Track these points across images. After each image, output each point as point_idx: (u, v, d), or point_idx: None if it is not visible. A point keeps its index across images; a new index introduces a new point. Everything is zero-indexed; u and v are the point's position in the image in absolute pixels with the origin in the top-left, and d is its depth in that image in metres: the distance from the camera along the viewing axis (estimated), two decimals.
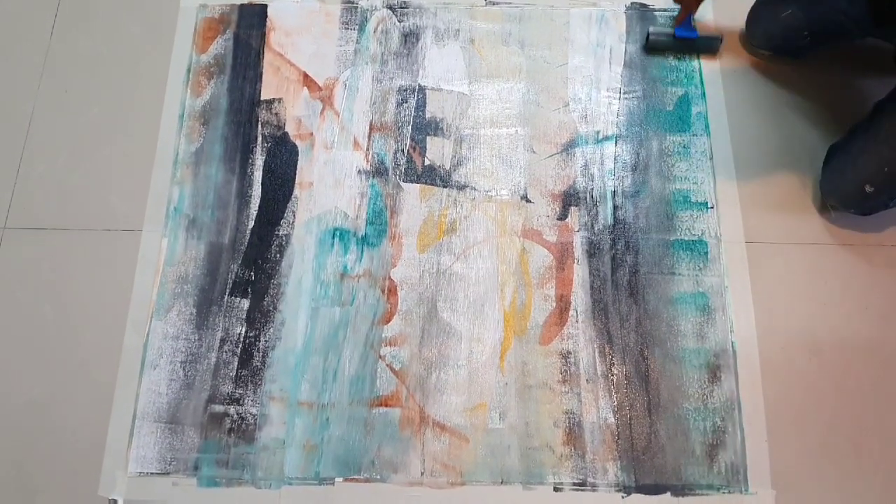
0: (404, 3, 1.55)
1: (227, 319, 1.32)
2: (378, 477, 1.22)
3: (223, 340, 1.30)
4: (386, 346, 1.30)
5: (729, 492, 1.21)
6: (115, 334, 1.31)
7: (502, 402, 1.26)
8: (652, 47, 1.48)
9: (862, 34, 1.35)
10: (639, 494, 1.21)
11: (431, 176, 1.41)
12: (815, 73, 1.48)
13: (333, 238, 1.37)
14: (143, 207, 1.39)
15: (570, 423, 1.25)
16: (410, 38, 1.52)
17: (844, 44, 1.41)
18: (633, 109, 1.46)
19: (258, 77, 1.49)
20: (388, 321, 1.31)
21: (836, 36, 1.39)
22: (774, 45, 1.46)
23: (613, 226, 1.37)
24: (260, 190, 1.40)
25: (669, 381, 1.27)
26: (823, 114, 1.45)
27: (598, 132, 1.44)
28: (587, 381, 1.27)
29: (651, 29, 1.48)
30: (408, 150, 1.43)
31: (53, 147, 1.45)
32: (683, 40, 1.46)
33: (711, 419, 1.25)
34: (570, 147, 1.43)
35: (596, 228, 1.37)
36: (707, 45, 1.48)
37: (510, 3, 1.55)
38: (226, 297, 1.33)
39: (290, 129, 1.45)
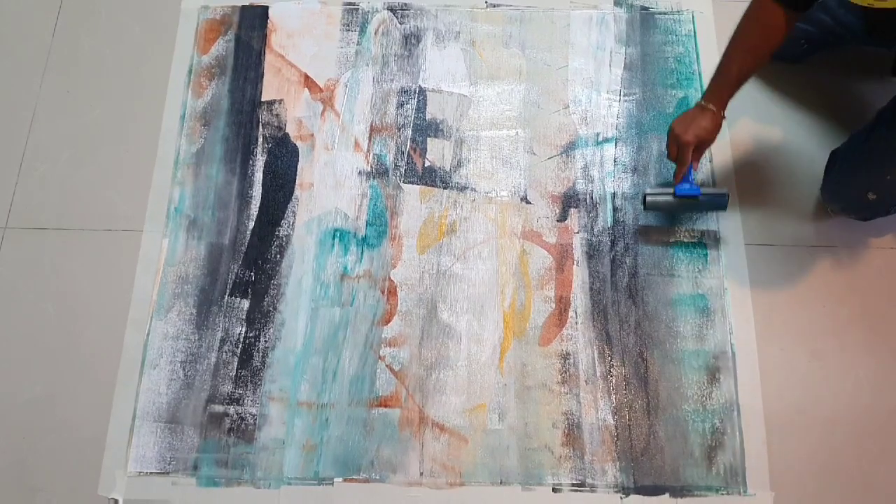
0: (405, 4, 1.55)
1: (227, 319, 1.32)
2: (377, 477, 1.22)
3: (223, 340, 1.31)
4: (385, 346, 1.30)
5: (728, 493, 1.21)
6: (115, 334, 1.31)
7: (501, 403, 1.26)
8: (650, 209, 1.32)
9: (859, 43, 1.36)
10: (637, 495, 1.21)
11: (432, 177, 1.41)
12: (815, 77, 1.48)
13: (334, 239, 1.37)
14: (144, 208, 1.40)
15: (569, 424, 1.25)
16: (411, 39, 1.53)
17: (842, 50, 1.42)
18: (632, 112, 1.46)
19: (259, 78, 1.49)
20: (387, 322, 1.31)
21: (833, 44, 1.39)
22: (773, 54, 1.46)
23: (613, 227, 1.38)
24: (260, 191, 1.41)
25: (668, 382, 1.27)
26: (823, 118, 1.45)
27: (598, 134, 1.45)
28: (586, 382, 1.28)
29: (648, 190, 1.30)
30: (408, 152, 1.43)
31: (55, 147, 1.45)
32: (685, 199, 1.27)
33: (710, 421, 1.25)
34: (570, 149, 1.44)
35: (595, 230, 1.37)
36: (713, 204, 1.30)
37: (511, 5, 1.55)
38: (226, 298, 1.33)
39: (290, 130, 1.45)
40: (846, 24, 1.33)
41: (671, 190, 1.27)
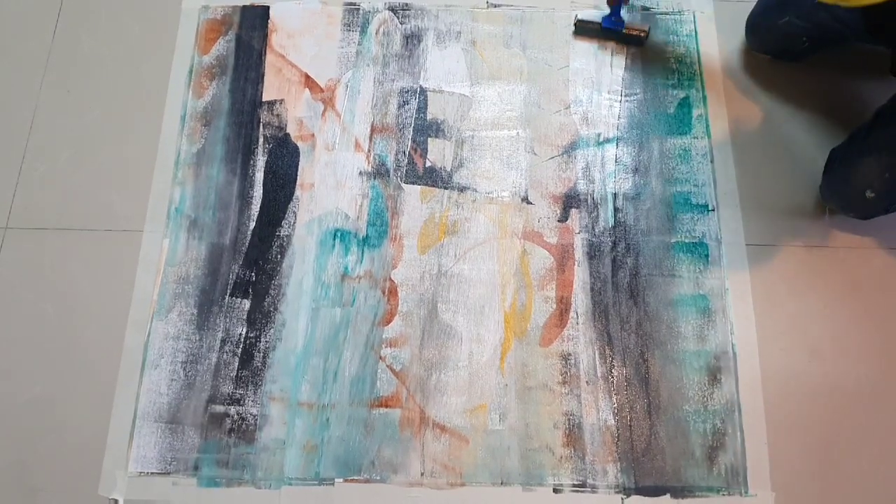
0: (406, 4, 1.55)
1: (227, 320, 1.32)
2: (378, 477, 1.22)
3: (224, 341, 1.31)
4: (386, 346, 1.30)
5: (729, 494, 1.21)
6: (116, 334, 1.31)
7: (502, 404, 1.26)
8: (578, 33, 1.51)
9: (859, 41, 1.36)
10: (638, 496, 1.21)
11: (432, 177, 1.41)
12: (816, 76, 1.48)
13: (334, 239, 1.37)
14: (145, 208, 1.40)
15: (570, 424, 1.25)
16: (412, 39, 1.53)
17: (844, 48, 1.42)
18: (633, 112, 1.46)
19: (260, 78, 1.49)
20: (388, 322, 1.31)
21: (834, 41, 1.39)
22: (773, 50, 1.46)
23: (614, 228, 1.37)
24: (261, 191, 1.41)
25: (669, 383, 1.27)
26: (824, 117, 1.45)
27: (599, 134, 1.45)
28: (587, 382, 1.28)
29: (579, 15, 1.49)
30: (409, 152, 1.43)
31: (55, 147, 1.45)
32: (609, 31, 1.48)
33: (711, 421, 1.25)
34: (571, 149, 1.44)
35: (596, 230, 1.37)
36: (630, 40, 1.50)
37: (512, 5, 1.55)
38: (226, 298, 1.33)
39: (291, 130, 1.45)
40: (846, 23, 1.33)
41: (599, 21, 1.48)
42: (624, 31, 1.47)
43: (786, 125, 1.45)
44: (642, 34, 1.48)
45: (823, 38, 1.39)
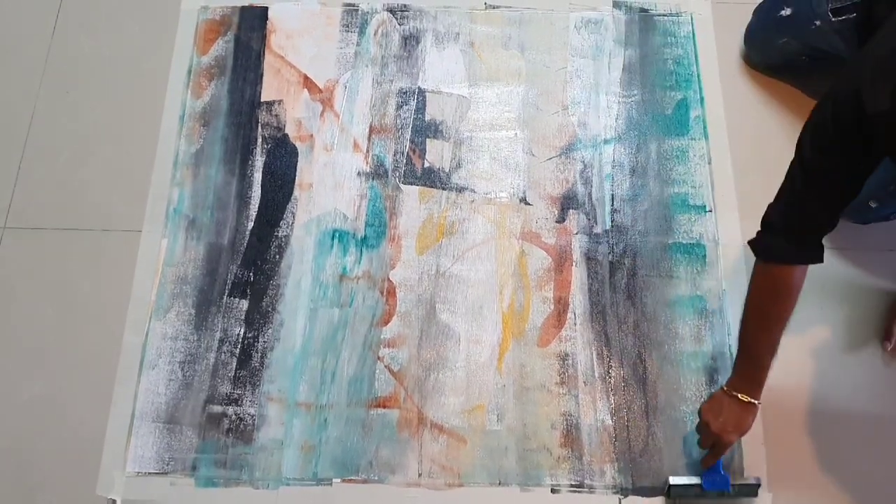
0: (404, 6, 1.55)
1: (225, 320, 1.32)
2: (376, 478, 1.22)
3: (222, 341, 1.31)
4: (384, 347, 1.30)
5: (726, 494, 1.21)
6: (114, 334, 1.31)
7: (500, 404, 1.26)
8: (675, 497, 1.20)
9: None
10: (636, 496, 1.21)
11: (431, 178, 1.42)
12: (816, 78, 1.47)
13: (333, 239, 1.37)
14: (143, 208, 1.40)
15: (567, 425, 1.25)
16: (410, 40, 1.53)
17: (843, 63, 1.41)
18: (631, 113, 1.47)
19: (258, 79, 1.49)
20: (386, 323, 1.31)
21: (833, 57, 1.39)
22: (773, 67, 1.46)
23: (612, 229, 1.38)
24: (259, 191, 1.41)
25: (667, 383, 1.27)
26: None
27: (596, 135, 1.45)
28: (585, 383, 1.28)
29: (672, 480, 1.18)
30: (407, 153, 1.43)
31: (54, 148, 1.45)
32: (713, 493, 1.18)
33: None
34: (568, 150, 1.44)
35: (594, 231, 1.38)
36: (742, 494, 1.19)
37: (510, 6, 1.56)
38: (225, 298, 1.33)
39: (290, 130, 1.45)
40: (847, 42, 1.33)
41: (699, 481, 1.18)
42: (732, 490, 1.17)
43: (784, 126, 1.45)
44: (755, 486, 1.19)
45: (822, 55, 1.38)
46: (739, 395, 1.09)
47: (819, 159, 0.95)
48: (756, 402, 1.09)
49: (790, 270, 1.03)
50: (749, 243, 1.07)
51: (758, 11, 1.45)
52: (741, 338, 1.10)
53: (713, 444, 1.13)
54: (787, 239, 1.02)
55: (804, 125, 0.98)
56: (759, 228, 1.08)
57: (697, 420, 1.15)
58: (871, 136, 0.88)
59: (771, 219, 1.04)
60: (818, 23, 1.29)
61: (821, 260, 1.03)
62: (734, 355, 1.27)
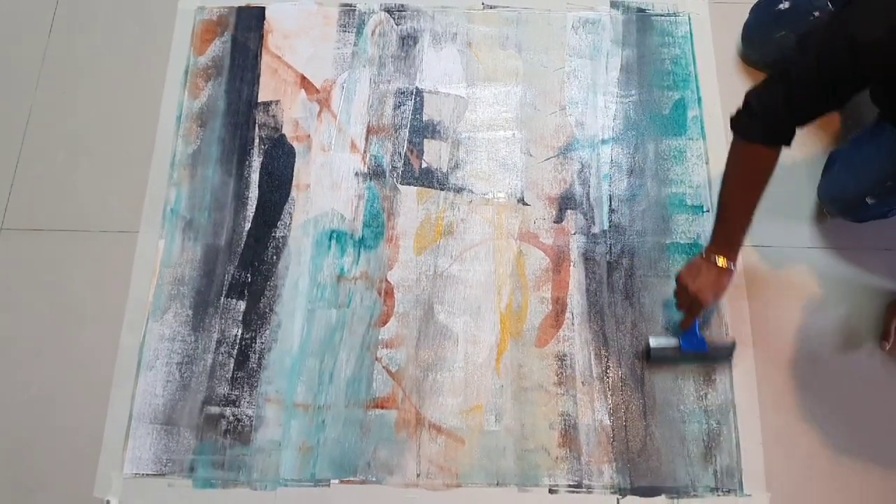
0: (402, 6, 1.55)
1: (223, 321, 1.32)
2: (374, 479, 1.22)
3: (219, 342, 1.30)
4: (382, 348, 1.30)
5: (724, 494, 1.21)
6: (111, 335, 1.31)
7: (498, 405, 1.26)
8: (654, 360, 1.28)
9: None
10: (634, 497, 1.21)
11: (429, 178, 1.42)
12: None
13: (330, 240, 1.37)
14: (140, 209, 1.40)
15: (565, 425, 1.25)
16: (408, 41, 1.53)
17: None
18: (629, 113, 1.47)
19: (256, 79, 1.49)
20: (384, 323, 1.31)
21: None
22: (771, 64, 1.46)
23: (609, 229, 1.38)
24: (257, 192, 1.40)
25: (664, 383, 1.27)
26: (821, 120, 1.44)
27: (594, 136, 1.45)
28: (583, 383, 1.28)
29: (652, 342, 1.26)
30: (405, 153, 1.43)
31: (51, 148, 1.45)
32: (691, 353, 1.25)
33: (707, 422, 1.25)
34: (566, 150, 1.44)
35: (592, 231, 1.38)
36: (719, 356, 1.27)
37: (508, 6, 1.55)
38: (222, 299, 1.33)
39: (287, 130, 1.45)
40: None
41: (676, 342, 1.24)
42: (709, 350, 1.24)
43: None
44: (730, 347, 1.26)
45: None
46: (716, 260, 1.15)
47: (810, 78, 1.00)
48: (731, 266, 1.16)
49: (760, 149, 1.09)
50: (730, 119, 1.11)
51: (755, 8, 1.45)
52: (718, 208, 1.15)
53: (689, 305, 1.19)
54: (762, 121, 1.07)
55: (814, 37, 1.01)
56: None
57: (675, 287, 1.22)
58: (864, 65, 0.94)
59: (750, 100, 1.08)
60: (817, 13, 1.30)
61: (789, 144, 1.08)
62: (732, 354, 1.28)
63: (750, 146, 1.09)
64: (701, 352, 1.24)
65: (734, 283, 1.19)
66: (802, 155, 1.42)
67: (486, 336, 1.31)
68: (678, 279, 1.21)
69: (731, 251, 1.16)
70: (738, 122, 1.10)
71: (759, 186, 1.11)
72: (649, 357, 1.27)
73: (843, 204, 1.31)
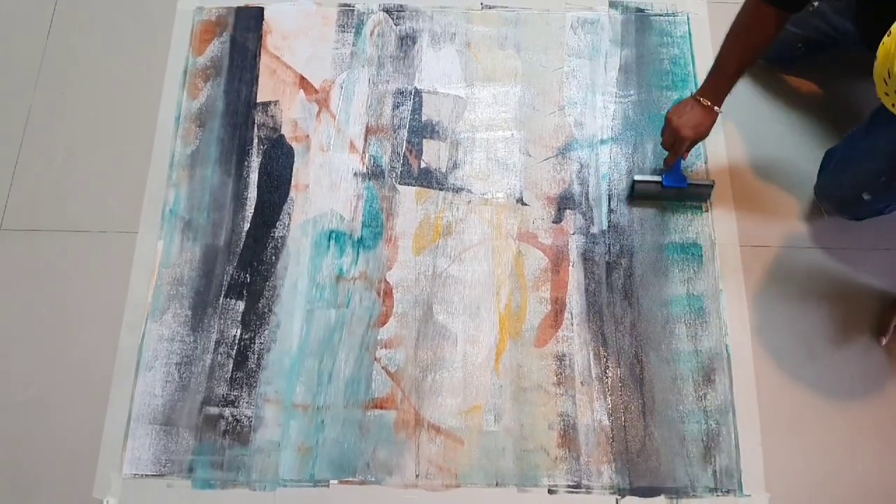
0: (401, 6, 1.55)
1: (222, 321, 1.32)
2: (373, 479, 1.22)
3: (218, 342, 1.30)
4: (381, 348, 1.30)
5: (723, 494, 1.21)
6: (110, 336, 1.31)
7: (497, 405, 1.26)
8: (638, 196, 1.38)
9: (852, 46, 1.36)
10: (633, 497, 1.21)
11: (427, 179, 1.41)
12: (812, 77, 1.49)
13: (329, 240, 1.37)
14: (139, 209, 1.39)
15: (564, 425, 1.25)
16: (407, 41, 1.53)
17: (837, 53, 1.42)
18: (628, 113, 1.47)
19: (254, 79, 1.49)
20: (383, 323, 1.31)
21: (828, 47, 1.39)
22: (769, 55, 1.46)
23: (608, 229, 1.38)
24: (256, 192, 1.40)
25: (664, 383, 1.27)
26: (818, 118, 1.45)
27: (593, 136, 1.45)
28: (582, 383, 1.28)
29: (637, 177, 1.36)
30: (404, 153, 1.43)
31: (50, 149, 1.45)
32: (672, 190, 1.34)
33: (706, 422, 1.25)
34: (565, 150, 1.44)
35: (591, 231, 1.37)
36: (697, 195, 1.37)
37: (506, 6, 1.55)
38: (221, 299, 1.33)
39: (286, 131, 1.45)
40: (840, 30, 1.34)
41: (660, 178, 1.34)
42: (689, 186, 1.34)
43: (780, 126, 1.46)
44: (709, 186, 1.36)
45: (817, 43, 1.39)
46: (703, 100, 1.23)
47: None
48: (717, 108, 1.24)
49: (769, 10, 1.13)
50: None
51: None
52: (717, 56, 1.22)
53: (673, 141, 1.27)
54: None
55: None
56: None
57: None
58: None
59: None
60: (816, 3, 1.30)
61: (794, 8, 1.13)
62: (731, 355, 1.28)
63: (760, 5, 1.13)
64: (681, 187, 1.33)
65: (716, 126, 1.27)
66: (799, 154, 1.42)
67: (485, 336, 1.31)
68: (666, 116, 1.28)
69: (719, 96, 1.23)
70: None
71: (757, 45, 1.19)
72: (633, 191, 1.36)
73: (840, 201, 1.31)
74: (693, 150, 1.36)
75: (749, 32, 1.18)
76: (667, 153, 1.32)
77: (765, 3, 1.13)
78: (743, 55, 1.20)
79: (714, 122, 1.25)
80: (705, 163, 1.42)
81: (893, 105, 0.93)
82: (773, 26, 1.15)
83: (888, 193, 1.23)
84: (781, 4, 1.13)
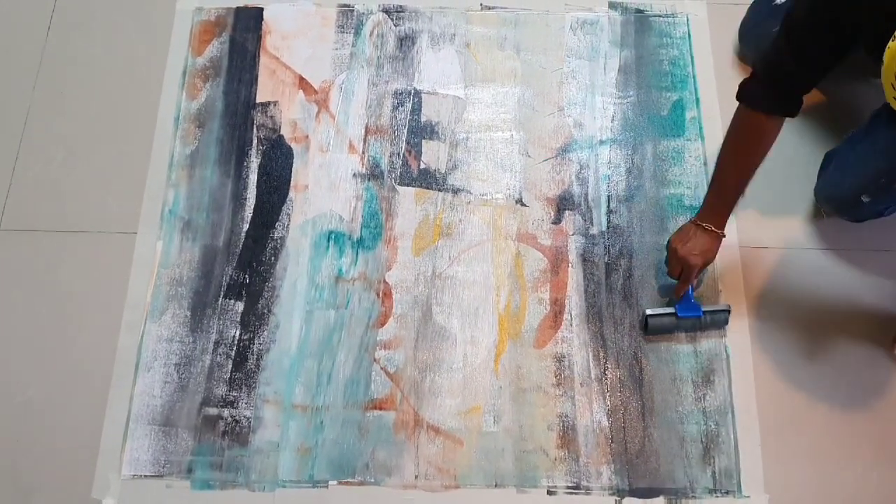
0: (400, 7, 1.55)
1: (221, 322, 1.32)
2: (372, 480, 1.22)
3: (217, 343, 1.30)
4: (380, 349, 1.30)
5: (723, 495, 1.21)
6: (109, 336, 1.31)
7: (496, 406, 1.26)
8: (652, 331, 1.29)
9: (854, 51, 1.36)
10: (632, 498, 1.21)
11: (427, 179, 1.41)
12: None
13: (328, 241, 1.37)
14: (139, 210, 1.39)
15: (563, 426, 1.25)
16: (406, 41, 1.53)
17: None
18: (627, 114, 1.47)
19: (254, 80, 1.49)
20: (382, 324, 1.31)
21: None
22: None
23: (608, 230, 1.38)
24: (255, 192, 1.40)
25: (663, 384, 1.27)
26: (819, 119, 1.45)
27: (592, 137, 1.45)
28: (581, 384, 1.28)
29: (649, 311, 1.27)
30: (403, 154, 1.43)
31: (49, 149, 1.45)
32: (688, 320, 1.27)
33: (705, 423, 1.25)
34: (564, 151, 1.44)
35: (590, 232, 1.38)
36: (715, 322, 1.28)
37: (506, 7, 1.55)
38: (220, 300, 1.33)
39: (285, 131, 1.45)
40: None
41: (673, 310, 1.26)
42: (704, 315, 1.26)
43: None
44: (726, 311, 1.28)
45: None
46: (706, 226, 1.20)
47: (808, 19, 1.03)
48: (721, 232, 1.20)
49: (764, 118, 1.11)
50: (737, 88, 1.14)
51: (752, 7, 1.46)
52: (714, 174, 1.20)
53: (680, 270, 1.22)
54: (767, 88, 1.10)
55: None
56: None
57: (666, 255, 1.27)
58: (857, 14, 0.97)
59: (756, 66, 1.13)
60: None
61: (794, 114, 1.11)
62: (730, 356, 1.28)
63: (753, 115, 1.11)
64: (697, 317, 1.26)
65: (724, 247, 1.24)
66: (799, 156, 1.42)
67: (485, 337, 1.31)
68: (668, 244, 1.25)
69: (721, 219, 1.20)
70: (743, 89, 1.13)
71: (757, 157, 1.14)
72: (647, 327, 1.28)
73: (840, 203, 1.31)
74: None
75: (745, 148, 1.14)
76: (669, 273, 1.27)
77: (757, 112, 1.10)
78: (742, 170, 1.16)
79: (720, 243, 1.21)
80: (705, 165, 1.42)
81: None
82: (770, 133, 1.12)
83: (887, 195, 1.23)
84: (780, 111, 1.10)
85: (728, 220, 1.21)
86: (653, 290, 1.33)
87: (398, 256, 1.36)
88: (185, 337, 1.31)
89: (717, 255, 1.26)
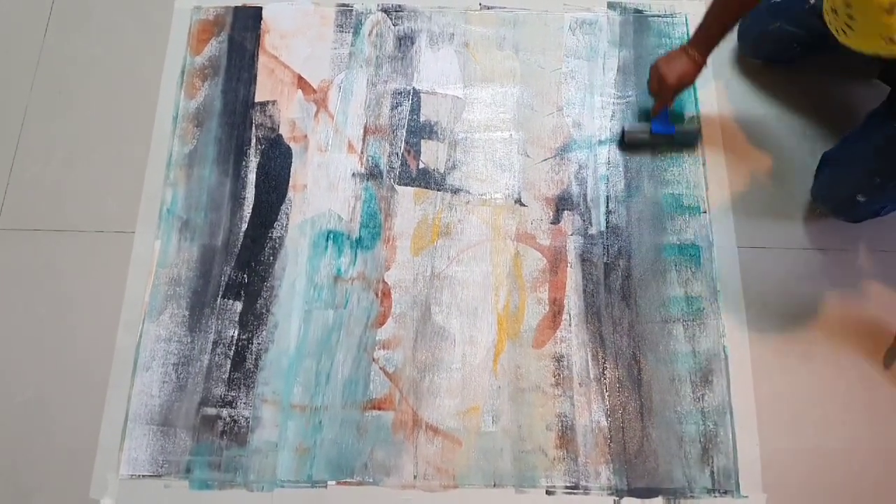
0: (399, 6, 1.55)
1: (219, 322, 1.31)
2: (371, 480, 1.22)
3: (216, 343, 1.30)
4: (379, 349, 1.30)
5: (721, 495, 1.21)
6: (107, 336, 1.30)
7: (495, 406, 1.26)
8: (629, 144, 1.43)
9: (850, 50, 1.36)
10: (631, 498, 1.21)
11: (426, 179, 1.41)
12: (808, 80, 1.49)
13: (327, 241, 1.37)
14: (137, 209, 1.39)
15: (562, 426, 1.25)
16: (405, 41, 1.52)
17: (833, 53, 1.42)
18: (626, 114, 1.47)
19: (252, 79, 1.49)
20: (381, 324, 1.31)
21: (824, 47, 1.40)
22: (765, 55, 1.47)
23: (606, 230, 1.38)
24: (253, 192, 1.40)
25: (662, 384, 1.28)
26: (815, 120, 1.46)
27: (591, 136, 1.45)
28: (580, 384, 1.28)
29: (626, 126, 1.42)
30: (402, 154, 1.43)
31: (47, 148, 1.44)
32: (660, 136, 1.40)
33: (703, 423, 1.25)
34: (563, 151, 1.44)
35: (589, 232, 1.38)
36: (685, 140, 1.42)
37: (504, 7, 1.55)
38: (218, 300, 1.33)
39: (284, 131, 1.45)
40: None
41: (648, 126, 1.40)
42: (676, 132, 1.41)
43: (777, 128, 1.46)
44: (696, 131, 1.43)
45: (815, 43, 1.39)
46: (692, 52, 1.31)
47: None
48: (703, 61, 1.32)
49: None
50: None
51: None
52: (706, 15, 1.29)
53: (659, 89, 1.35)
54: None
55: None
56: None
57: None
58: None
59: None
60: (812, 1, 1.30)
61: None
62: (729, 356, 1.29)
63: None
64: (669, 133, 1.40)
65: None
66: (797, 156, 1.43)
67: (483, 337, 1.31)
68: (653, 64, 1.36)
69: (706, 49, 1.31)
70: None
71: (738, 13, 1.27)
72: (624, 140, 1.42)
73: (836, 203, 1.31)
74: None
75: (733, 2, 1.24)
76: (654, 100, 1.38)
77: None
78: (726, 18, 1.27)
79: (699, 72, 1.32)
80: (703, 165, 1.42)
81: (837, 30, 1.01)
82: None
83: (883, 195, 1.23)
84: None
85: (710, 52, 1.31)
86: (653, 291, 1.33)
87: (397, 256, 1.36)
88: (183, 337, 1.31)
89: (717, 255, 1.26)
